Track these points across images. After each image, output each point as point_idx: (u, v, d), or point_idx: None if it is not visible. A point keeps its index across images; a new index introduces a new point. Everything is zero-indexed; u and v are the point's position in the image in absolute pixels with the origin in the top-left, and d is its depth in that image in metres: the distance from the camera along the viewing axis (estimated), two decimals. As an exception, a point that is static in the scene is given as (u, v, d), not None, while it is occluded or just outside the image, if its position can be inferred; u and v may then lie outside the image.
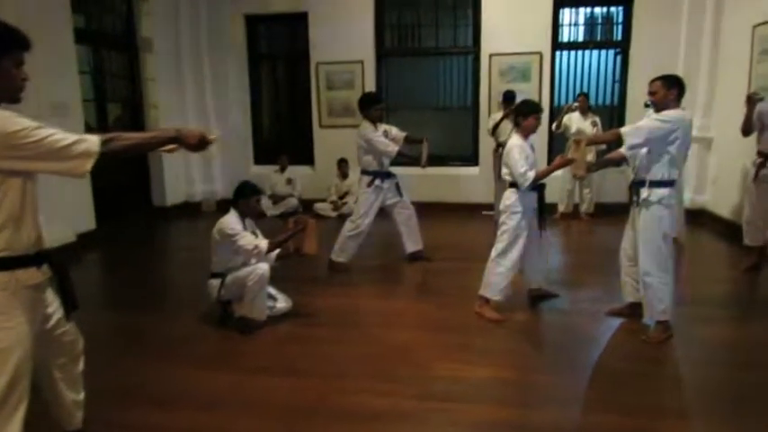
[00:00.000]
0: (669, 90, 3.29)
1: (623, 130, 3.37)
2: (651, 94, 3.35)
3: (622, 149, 3.46)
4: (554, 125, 6.92)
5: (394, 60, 8.06)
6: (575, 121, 6.81)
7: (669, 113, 3.26)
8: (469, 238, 6.30)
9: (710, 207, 6.61)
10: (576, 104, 6.90)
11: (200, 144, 2.00)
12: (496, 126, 6.77)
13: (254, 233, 3.72)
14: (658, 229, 3.33)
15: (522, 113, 3.75)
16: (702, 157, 6.69)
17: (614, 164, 3.70)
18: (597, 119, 6.87)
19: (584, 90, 7.38)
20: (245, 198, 3.68)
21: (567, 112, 6.84)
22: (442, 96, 8.13)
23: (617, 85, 7.51)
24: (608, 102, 7.60)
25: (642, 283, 3.46)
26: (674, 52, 6.85)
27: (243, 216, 3.69)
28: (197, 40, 7.91)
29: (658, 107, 3.32)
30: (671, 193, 3.33)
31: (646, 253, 3.39)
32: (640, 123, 3.34)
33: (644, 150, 3.37)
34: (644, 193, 3.37)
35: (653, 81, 3.36)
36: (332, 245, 5.02)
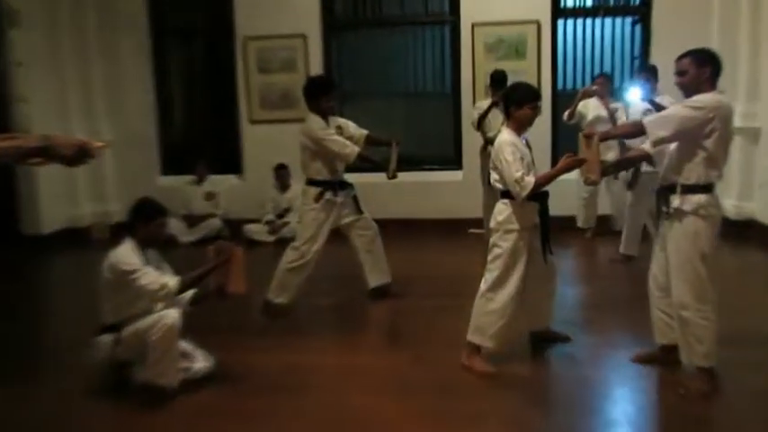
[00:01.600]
0: (701, 68, 3.37)
1: (646, 120, 3.45)
2: (679, 74, 3.42)
3: (646, 146, 3.53)
4: (566, 114, 7.00)
5: (347, 34, 8.11)
6: (592, 109, 6.89)
7: (703, 98, 3.33)
8: (453, 265, 6.31)
9: (760, 216, 6.79)
10: (594, 87, 7.00)
11: (79, 155, 1.97)
12: (483, 117, 6.83)
13: (158, 268, 3.66)
14: (694, 247, 3.38)
15: (513, 102, 3.78)
16: (748, 152, 6.88)
17: (635, 164, 3.76)
18: (621, 105, 6.97)
19: (596, 69, 7.51)
20: (144, 221, 3.62)
21: (582, 98, 6.93)
22: (413, 80, 8.21)
23: (637, 63, 7.71)
24: (626, 82, 7.77)
25: (677, 319, 3.51)
26: (706, 20, 7.06)
27: (143, 245, 3.63)
28: (81, 11, 7.81)
29: (689, 91, 3.40)
30: (709, 200, 3.40)
31: (680, 279, 3.44)
32: (667, 111, 3.42)
33: (673, 146, 3.44)
34: (675, 201, 3.43)
35: (680, 58, 3.44)
36: (268, 280, 4.96)
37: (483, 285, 3.83)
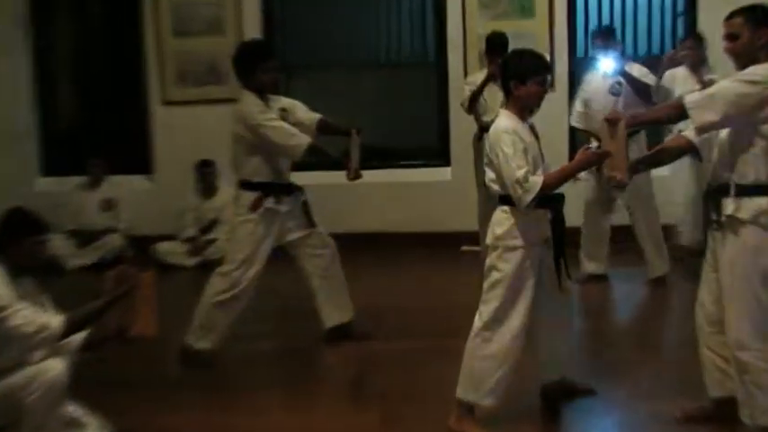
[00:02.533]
0: (758, 31, 3.41)
1: (689, 99, 3.48)
2: (729, 37, 3.47)
3: (688, 133, 3.59)
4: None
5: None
6: (681, 83, 6.80)
7: (760, 70, 3.37)
8: (438, 295, 6.33)
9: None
10: (683, 52, 6.89)
11: None
12: (477, 96, 6.86)
13: (37, 302, 3.63)
14: (753, 266, 3.42)
15: (514, 75, 3.79)
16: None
17: (674, 158, 3.81)
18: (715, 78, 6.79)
19: (628, 31, 7.56)
20: (16, 239, 3.60)
21: (666, 68, 6.83)
22: (384, 46, 8.23)
23: (680, 22, 7.84)
24: (667, 48, 7.88)
25: (734, 363, 3.55)
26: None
27: (15, 272, 3.59)
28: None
29: (742, 60, 3.45)
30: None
31: (735, 310, 3.47)
32: (716, 88, 3.46)
33: (724, 134, 3.50)
34: (728, 206, 3.47)
35: (730, 17, 3.48)
36: (188, 318, 4.95)
37: (478, 321, 3.82)
